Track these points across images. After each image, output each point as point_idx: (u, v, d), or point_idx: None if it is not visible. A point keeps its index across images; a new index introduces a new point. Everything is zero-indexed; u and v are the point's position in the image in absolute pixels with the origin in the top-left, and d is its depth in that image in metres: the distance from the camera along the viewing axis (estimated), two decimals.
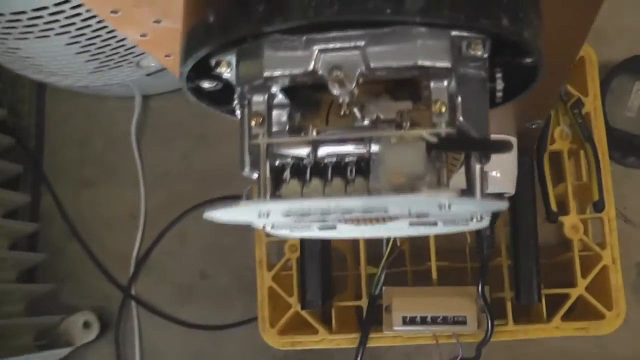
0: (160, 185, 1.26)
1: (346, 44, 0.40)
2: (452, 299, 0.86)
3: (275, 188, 0.43)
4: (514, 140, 0.75)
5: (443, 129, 0.40)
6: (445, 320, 0.86)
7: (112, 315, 1.22)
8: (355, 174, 0.43)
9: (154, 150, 1.27)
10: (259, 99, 0.44)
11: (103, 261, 1.24)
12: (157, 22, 0.52)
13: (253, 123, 0.43)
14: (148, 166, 1.27)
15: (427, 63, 0.40)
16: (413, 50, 0.39)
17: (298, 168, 0.44)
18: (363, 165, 0.43)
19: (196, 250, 1.22)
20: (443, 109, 0.41)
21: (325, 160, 0.44)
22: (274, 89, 0.44)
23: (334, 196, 0.42)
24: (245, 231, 1.19)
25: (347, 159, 0.44)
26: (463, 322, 0.85)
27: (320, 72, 0.41)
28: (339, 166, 0.44)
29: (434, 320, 0.86)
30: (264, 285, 0.95)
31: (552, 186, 0.90)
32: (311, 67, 0.41)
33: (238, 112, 0.47)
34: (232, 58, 0.44)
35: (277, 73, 0.41)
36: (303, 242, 0.95)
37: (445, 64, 0.40)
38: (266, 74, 0.41)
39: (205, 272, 1.22)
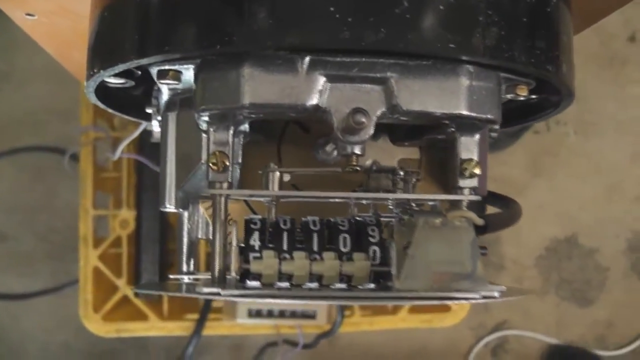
0: None
1: (368, 74, 0.29)
2: None
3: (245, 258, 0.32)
4: None
5: (468, 197, 0.33)
6: (293, 315, 0.80)
7: None
8: (350, 246, 0.33)
9: None
10: (222, 136, 0.32)
11: None
12: None
13: (213, 166, 0.32)
14: None
15: (473, 114, 0.31)
16: (456, 91, 0.30)
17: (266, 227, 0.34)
18: (356, 229, 0.33)
19: None
20: (477, 171, 0.32)
21: (305, 219, 0.34)
22: (243, 118, 0.33)
23: (342, 295, 0.32)
24: (53, 189, 1.07)
25: (332, 219, 0.34)
26: (312, 317, 0.81)
27: (327, 109, 0.30)
28: (323, 229, 0.33)
29: (282, 314, 0.80)
30: (88, 265, 0.84)
31: None
32: (314, 100, 0.30)
33: (155, 124, 0.37)
34: (187, 69, 0.32)
35: (260, 101, 0.30)
36: (139, 216, 0.84)
37: (492, 115, 0.31)
38: (246, 101, 0.30)
39: (6, 234, 1.10)
